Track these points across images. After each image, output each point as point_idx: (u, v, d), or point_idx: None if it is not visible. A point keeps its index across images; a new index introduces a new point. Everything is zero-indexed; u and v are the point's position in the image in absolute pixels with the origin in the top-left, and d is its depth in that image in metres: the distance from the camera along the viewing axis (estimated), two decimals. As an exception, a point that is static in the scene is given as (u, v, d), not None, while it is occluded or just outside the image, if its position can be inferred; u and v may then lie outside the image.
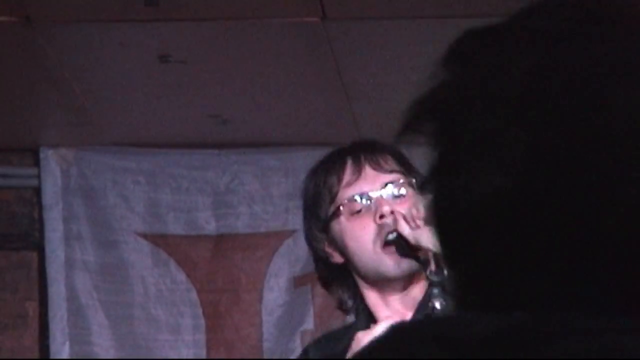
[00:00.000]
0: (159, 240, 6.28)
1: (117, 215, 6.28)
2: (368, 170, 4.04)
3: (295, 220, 5.59)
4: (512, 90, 1.27)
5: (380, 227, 3.93)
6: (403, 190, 4.04)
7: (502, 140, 1.26)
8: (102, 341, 6.17)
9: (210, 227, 6.35)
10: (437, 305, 3.96)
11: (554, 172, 1.26)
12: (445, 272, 3.85)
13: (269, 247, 5.84)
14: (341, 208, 3.98)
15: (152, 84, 5.73)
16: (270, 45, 5.53)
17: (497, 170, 1.24)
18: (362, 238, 3.98)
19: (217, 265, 6.13)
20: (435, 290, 3.90)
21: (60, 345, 6.12)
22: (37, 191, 6.25)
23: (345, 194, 4.01)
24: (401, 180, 4.04)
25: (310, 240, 4.17)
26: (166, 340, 6.18)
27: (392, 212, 3.93)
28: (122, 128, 6.16)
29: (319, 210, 4.10)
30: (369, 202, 4.01)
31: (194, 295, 6.13)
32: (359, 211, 3.99)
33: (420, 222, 3.96)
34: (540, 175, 1.25)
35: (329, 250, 4.02)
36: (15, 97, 5.87)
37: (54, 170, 6.24)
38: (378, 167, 4.05)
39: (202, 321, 6.13)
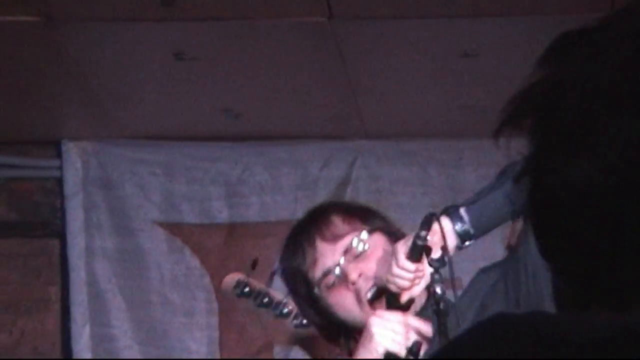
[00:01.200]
0: (174, 228, 6.28)
1: (135, 204, 6.28)
2: (323, 246, 3.98)
3: (303, 210, 5.00)
4: (608, 84, 1.26)
5: (357, 291, 3.91)
6: (361, 247, 3.96)
7: (599, 134, 1.26)
8: (120, 324, 6.18)
9: (223, 215, 6.35)
10: (438, 290, 3.88)
11: None
12: (446, 258, 3.79)
13: (278, 235, 5.18)
14: (316, 288, 3.94)
15: (168, 80, 5.74)
16: (279, 43, 5.57)
17: (596, 164, 1.23)
18: (347, 306, 3.94)
19: (229, 252, 6.13)
20: (437, 276, 3.83)
21: (81, 328, 6.12)
22: (59, 182, 6.24)
23: (314, 274, 3.95)
24: (355, 240, 3.93)
25: (304, 315, 4.20)
26: (181, 323, 6.17)
27: (360, 275, 3.89)
28: (139, 122, 6.16)
29: (300, 290, 4.06)
30: (337, 273, 3.94)
31: (207, 280, 6.12)
32: (333, 283, 3.94)
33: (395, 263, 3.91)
34: (631, 162, 1.21)
35: (323, 320, 4.02)
36: (37, 92, 5.88)
37: (74, 162, 6.26)
38: (330, 239, 3.95)
39: (215, 305, 6.12)
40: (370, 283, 3.88)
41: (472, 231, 3.98)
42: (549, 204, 1.24)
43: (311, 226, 3.99)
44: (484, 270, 3.81)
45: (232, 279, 4.62)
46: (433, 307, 3.90)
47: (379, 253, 3.95)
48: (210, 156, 6.44)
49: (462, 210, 4.02)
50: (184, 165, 6.31)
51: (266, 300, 4.80)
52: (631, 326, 1.13)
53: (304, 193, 6.17)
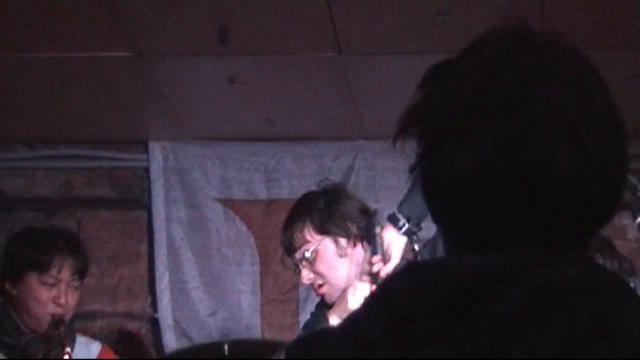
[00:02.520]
0: (228, 203, 6.32)
1: (200, 186, 6.32)
2: (291, 257, 4.01)
3: None
4: (468, 93, 1.37)
5: (311, 286, 4.02)
6: (307, 255, 3.94)
7: (467, 130, 1.36)
8: (190, 271, 6.22)
9: (263, 194, 6.38)
10: (416, 247, 3.92)
11: (506, 150, 1.36)
12: (419, 226, 3.83)
13: None
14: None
15: (224, 98, 5.72)
16: (302, 70, 5.42)
17: (467, 152, 1.36)
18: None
19: (267, 220, 6.15)
20: (414, 237, 3.86)
21: (162, 274, 6.19)
22: (146, 170, 6.29)
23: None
24: (297, 255, 3.98)
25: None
26: (233, 271, 6.22)
27: (309, 279, 3.94)
28: (203, 127, 6.17)
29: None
30: (296, 272, 4.05)
31: (252, 240, 6.19)
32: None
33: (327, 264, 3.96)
34: (497, 153, 1.35)
35: None
36: (131, 108, 5.90)
37: (157, 156, 6.30)
38: (290, 253, 3.98)
39: (257, 258, 6.19)
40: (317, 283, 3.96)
41: (409, 225, 3.94)
42: (436, 186, 1.39)
43: (284, 232, 4.01)
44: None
45: None
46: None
47: (324, 258, 3.93)
48: (254, 152, 6.43)
49: (397, 212, 4.02)
50: (235, 158, 6.32)
51: None
52: (492, 260, 1.33)
53: (321, 178, 5.29)
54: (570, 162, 1.34)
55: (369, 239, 3.94)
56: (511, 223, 1.38)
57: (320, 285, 3.87)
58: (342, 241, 3.86)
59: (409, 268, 1.41)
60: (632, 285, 4.54)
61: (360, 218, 3.95)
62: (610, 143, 1.39)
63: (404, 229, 3.86)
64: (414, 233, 3.86)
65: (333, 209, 3.94)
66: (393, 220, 3.87)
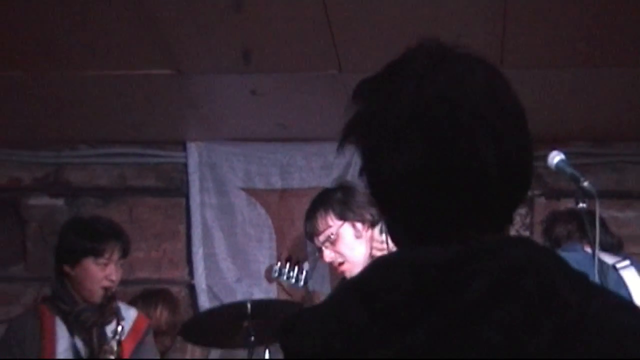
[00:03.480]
0: (250, 191, 6.27)
1: (228, 178, 6.28)
2: (314, 241, 4.05)
3: (326, 181, 5.81)
4: (402, 107, 1.35)
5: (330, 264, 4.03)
6: (331, 237, 3.98)
7: (405, 138, 1.35)
8: (219, 246, 6.20)
9: (278, 185, 6.34)
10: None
11: (439, 151, 1.33)
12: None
13: (310, 195, 5.04)
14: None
15: (247, 107, 5.70)
16: (308, 86, 5.40)
17: (406, 155, 1.34)
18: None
19: (282, 205, 6.13)
20: (384, 228, 3.62)
21: (197, 249, 6.18)
22: (185, 165, 6.25)
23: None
24: (321, 237, 4.01)
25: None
26: (254, 246, 6.18)
27: (330, 257, 3.95)
28: (231, 130, 6.15)
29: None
30: (317, 255, 4.14)
31: (269, 221, 6.16)
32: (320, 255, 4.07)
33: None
34: (431, 155, 1.32)
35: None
36: (174, 115, 5.92)
37: (194, 154, 6.26)
38: (313, 237, 4.04)
39: (274, 236, 6.16)
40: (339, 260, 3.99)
41: None
42: (383, 185, 1.39)
43: (308, 220, 4.07)
44: None
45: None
46: None
47: (344, 239, 3.96)
48: (271, 150, 6.36)
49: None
50: (256, 155, 6.28)
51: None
52: (450, 252, 1.31)
53: (325, 172, 6.18)
54: (493, 155, 1.35)
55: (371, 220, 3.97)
56: (449, 212, 1.37)
57: (341, 264, 3.92)
58: (358, 225, 3.90)
59: (378, 262, 1.41)
60: (627, 262, 4.02)
61: (371, 207, 3.93)
62: (520, 136, 1.40)
63: None
64: None
65: (350, 200, 3.96)
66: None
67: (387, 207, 1.42)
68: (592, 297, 1.32)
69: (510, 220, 1.45)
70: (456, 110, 1.35)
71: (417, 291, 1.30)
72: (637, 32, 4.68)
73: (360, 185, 3.85)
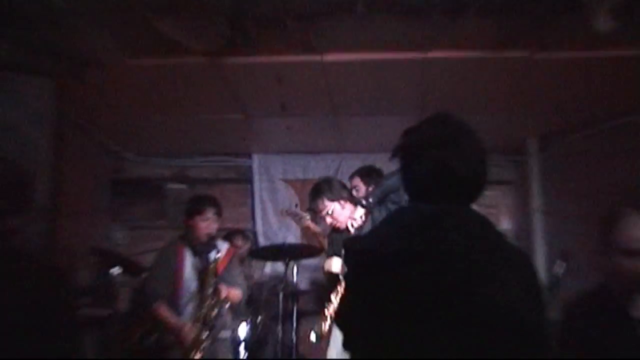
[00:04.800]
0: (287, 181, 6.42)
1: (274, 173, 6.34)
2: (318, 214, 3.96)
3: (331, 174, 5.96)
4: (424, 141, 1.49)
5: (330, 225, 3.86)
6: (329, 212, 3.83)
7: (424, 156, 1.47)
8: (268, 210, 6.38)
9: (300, 176, 6.33)
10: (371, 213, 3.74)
11: (440, 165, 1.46)
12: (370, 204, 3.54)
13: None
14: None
15: (284, 136, 5.83)
16: (315, 125, 5.52)
17: (424, 166, 1.47)
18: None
19: (303, 188, 6.14)
20: (370, 208, 3.76)
21: (257, 213, 6.40)
22: (250, 167, 6.49)
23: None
24: (322, 213, 3.87)
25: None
26: (286, 222, 6.26)
27: (330, 222, 3.86)
28: (276, 147, 6.30)
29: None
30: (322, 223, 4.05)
31: (296, 197, 6.35)
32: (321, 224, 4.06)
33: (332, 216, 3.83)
34: (436, 166, 1.45)
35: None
36: (245, 141, 6.03)
37: (256, 161, 6.45)
38: (317, 213, 3.95)
39: (298, 205, 6.17)
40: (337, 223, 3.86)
41: (366, 203, 3.77)
42: (411, 179, 1.53)
43: (312, 203, 3.92)
44: None
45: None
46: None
47: (335, 211, 3.85)
48: (296, 158, 6.42)
49: (363, 199, 3.86)
50: (288, 161, 6.42)
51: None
52: (437, 209, 1.45)
53: (325, 172, 6.16)
54: (467, 171, 1.47)
55: (354, 200, 3.99)
56: (441, 194, 1.48)
57: (336, 224, 3.92)
58: (341, 201, 3.88)
59: (401, 210, 1.52)
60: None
61: (344, 190, 3.98)
62: (480, 159, 1.52)
63: (364, 203, 3.85)
64: (370, 207, 3.75)
65: (331, 187, 3.93)
66: (360, 202, 3.92)
67: (411, 189, 1.52)
68: (498, 234, 1.47)
69: (473, 201, 1.54)
70: (450, 146, 1.47)
71: (417, 223, 1.40)
72: (505, 90, 4.55)
73: (345, 181, 4.05)
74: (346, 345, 1.49)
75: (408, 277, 1.36)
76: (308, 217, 4.71)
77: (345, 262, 1.49)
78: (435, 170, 1.50)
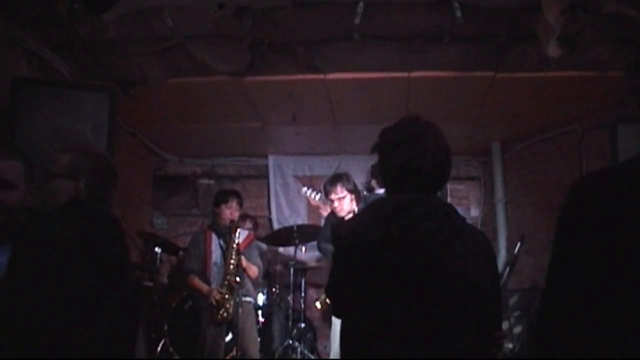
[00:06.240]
0: (297, 177, 6.27)
1: (285, 170, 6.28)
2: (329, 196, 3.82)
3: (328, 172, 5.62)
4: (396, 140, 1.42)
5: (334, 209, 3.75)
6: (335, 199, 3.72)
7: (396, 152, 1.41)
8: (282, 202, 6.30)
9: (307, 173, 6.25)
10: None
11: (409, 159, 1.37)
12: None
13: (320, 179, 5.42)
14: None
15: (295, 140, 5.74)
16: (319, 133, 5.51)
17: (396, 159, 1.40)
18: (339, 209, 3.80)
19: (310, 184, 5.78)
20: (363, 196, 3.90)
21: (272, 202, 6.29)
22: (266, 166, 6.28)
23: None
24: (334, 196, 3.77)
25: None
26: (298, 203, 6.26)
27: (338, 208, 3.73)
28: (287, 150, 6.15)
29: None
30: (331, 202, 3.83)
31: (304, 190, 5.34)
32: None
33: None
34: (406, 160, 1.35)
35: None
36: (262, 144, 5.96)
37: (271, 161, 6.34)
38: (331, 194, 3.80)
39: (307, 203, 5.92)
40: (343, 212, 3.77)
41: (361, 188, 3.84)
42: (386, 172, 1.47)
43: (330, 186, 3.79)
44: None
45: None
46: None
47: (346, 200, 3.78)
48: (304, 159, 6.26)
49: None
50: (298, 161, 6.30)
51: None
52: (407, 197, 1.40)
53: (329, 170, 5.87)
54: (432, 164, 1.43)
55: (359, 199, 3.90)
56: (412, 185, 1.40)
57: (339, 210, 3.81)
58: (352, 195, 3.83)
59: (378, 200, 1.46)
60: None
61: (355, 187, 3.91)
62: (444, 156, 1.47)
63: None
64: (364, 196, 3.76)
65: (349, 180, 3.87)
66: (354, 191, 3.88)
67: (386, 181, 1.47)
68: (460, 218, 1.42)
69: (439, 189, 1.50)
70: (417, 143, 1.43)
71: (392, 210, 1.35)
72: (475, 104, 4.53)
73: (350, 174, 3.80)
74: (335, 313, 1.48)
75: (386, 256, 1.35)
76: (317, 197, 4.65)
77: (333, 244, 1.47)
78: (406, 165, 1.47)
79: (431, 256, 1.36)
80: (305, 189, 4.68)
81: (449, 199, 5.66)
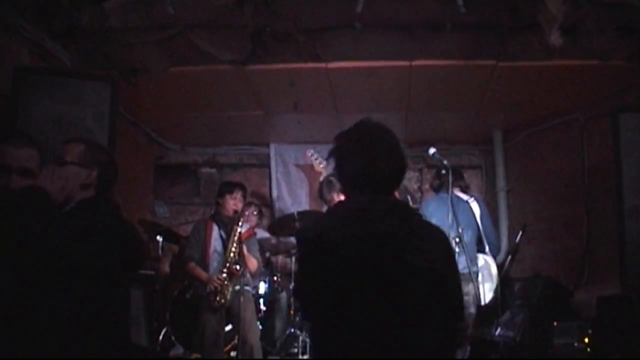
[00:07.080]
0: (298, 166, 6.23)
1: (288, 159, 6.23)
2: (326, 202, 3.60)
3: (325, 162, 4.78)
4: (350, 143, 1.45)
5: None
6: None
7: (352, 157, 1.44)
8: (284, 190, 6.25)
9: (309, 162, 5.10)
10: None
11: (365, 163, 1.37)
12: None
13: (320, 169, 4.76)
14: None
15: (296, 129, 5.72)
16: (320, 121, 5.40)
17: (352, 165, 1.44)
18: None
19: (313, 173, 5.23)
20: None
21: (274, 190, 6.25)
22: (268, 155, 6.30)
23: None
24: (331, 203, 3.50)
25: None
26: (300, 191, 6.14)
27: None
28: (289, 138, 6.08)
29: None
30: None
31: (306, 181, 6.20)
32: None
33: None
34: (363, 165, 1.29)
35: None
36: (263, 133, 5.94)
37: (272, 149, 6.29)
38: (328, 203, 3.51)
39: (307, 185, 6.17)
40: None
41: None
42: (343, 176, 1.49)
43: (326, 193, 3.60)
44: None
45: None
46: None
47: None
48: (306, 147, 5.27)
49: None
50: (300, 149, 5.97)
51: None
52: (366, 200, 1.41)
53: (327, 161, 4.51)
54: (386, 166, 1.46)
55: None
56: (369, 186, 1.46)
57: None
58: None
59: (338, 204, 1.49)
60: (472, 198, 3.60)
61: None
62: (399, 156, 1.50)
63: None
64: None
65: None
66: None
67: (344, 185, 1.52)
68: (417, 215, 1.50)
69: (395, 190, 1.51)
70: (370, 146, 1.48)
71: (353, 212, 1.40)
72: (476, 93, 4.57)
73: None
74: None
75: (349, 256, 1.38)
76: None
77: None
78: (363, 168, 1.50)
79: (392, 252, 1.39)
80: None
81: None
